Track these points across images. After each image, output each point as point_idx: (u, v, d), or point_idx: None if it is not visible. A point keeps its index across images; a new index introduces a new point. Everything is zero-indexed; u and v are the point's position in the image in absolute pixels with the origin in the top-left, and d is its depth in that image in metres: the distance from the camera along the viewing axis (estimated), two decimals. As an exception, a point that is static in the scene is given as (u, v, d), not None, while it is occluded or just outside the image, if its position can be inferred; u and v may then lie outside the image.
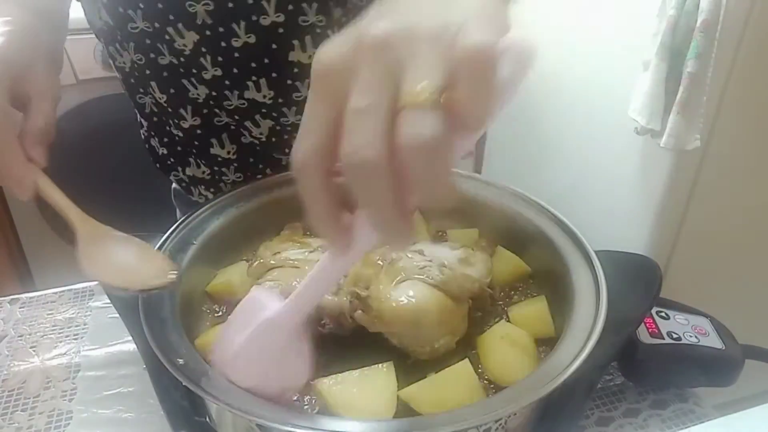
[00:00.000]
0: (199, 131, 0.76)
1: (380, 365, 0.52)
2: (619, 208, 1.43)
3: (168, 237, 0.61)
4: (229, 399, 0.45)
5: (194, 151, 0.79)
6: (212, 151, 0.78)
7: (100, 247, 0.56)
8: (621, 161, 1.38)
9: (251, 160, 0.79)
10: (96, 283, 0.79)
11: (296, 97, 0.72)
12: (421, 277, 0.54)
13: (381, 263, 0.57)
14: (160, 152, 0.84)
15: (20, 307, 0.76)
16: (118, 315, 0.56)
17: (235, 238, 0.67)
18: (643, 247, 1.37)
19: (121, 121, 1.60)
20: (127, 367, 0.67)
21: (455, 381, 0.52)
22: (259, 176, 0.80)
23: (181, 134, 0.77)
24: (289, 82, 0.71)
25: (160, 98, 0.73)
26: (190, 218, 0.64)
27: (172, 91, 0.72)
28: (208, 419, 0.51)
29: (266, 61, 0.69)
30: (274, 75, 0.70)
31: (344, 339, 0.56)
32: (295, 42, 0.68)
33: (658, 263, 0.55)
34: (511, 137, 1.86)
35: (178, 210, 0.94)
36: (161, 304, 0.54)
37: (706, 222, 1.35)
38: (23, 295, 0.78)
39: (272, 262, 0.59)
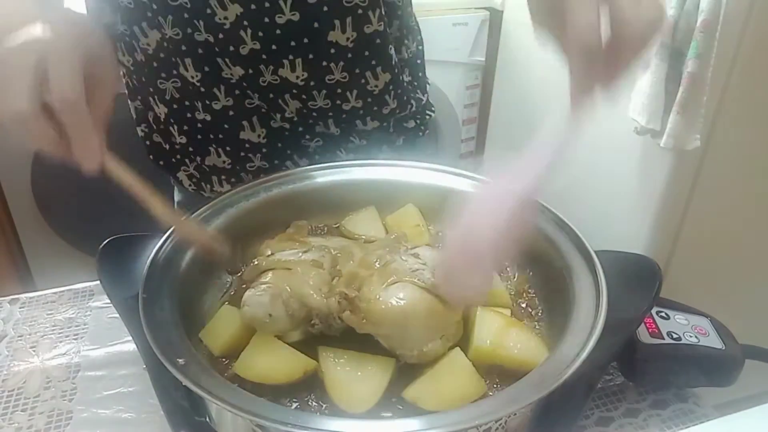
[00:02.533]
0: (231, 113, 0.75)
1: (383, 357, 0.53)
2: (619, 208, 1.43)
3: (168, 237, 0.61)
4: (229, 399, 0.45)
5: (221, 136, 0.78)
6: (242, 135, 0.77)
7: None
8: (621, 161, 1.38)
9: (279, 145, 0.79)
10: (96, 282, 0.79)
11: (328, 80, 0.73)
12: (413, 279, 0.54)
13: (378, 265, 0.57)
14: (176, 142, 0.81)
15: (20, 307, 0.76)
16: (118, 315, 0.56)
17: (235, 238, 0.67)
18: (643, 247, 1.37)
19: (121, 121, 1.60)
20: (127, 367, 0.67)
21: (453, 372, 0.53)
22: (287, 162, 0.80)
23: (209, 117, 0.76)
24: (324, 63, 0.71)
25: (193, 77, 0.72)
26: (190, 218, 0.64)
27: (206, 69, 0.72)
28: (208, 419, 0.52)
29: (305, 40, 0.69)
30: (310, 56, 0.70)
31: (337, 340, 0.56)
32: (337, 22, 0.69)
33: (658, 263, 0.55)
34: (511, 137, 1.86)
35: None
36: (161, 304, 0.54)
37: (706, 222, 1.35)
38: (23, 295, 0.78)
39: (264, 264, 0.59)
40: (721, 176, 1.30)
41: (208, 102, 0.74)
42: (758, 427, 0.48)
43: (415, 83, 0.84)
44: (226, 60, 0.70)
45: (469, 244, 0.50)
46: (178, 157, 0.82)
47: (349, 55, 0.72)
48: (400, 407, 0.51)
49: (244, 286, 0.62)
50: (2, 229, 1.65)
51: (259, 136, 0.77)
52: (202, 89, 0.73)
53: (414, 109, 0.84)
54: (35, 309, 0.76)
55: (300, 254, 0.60)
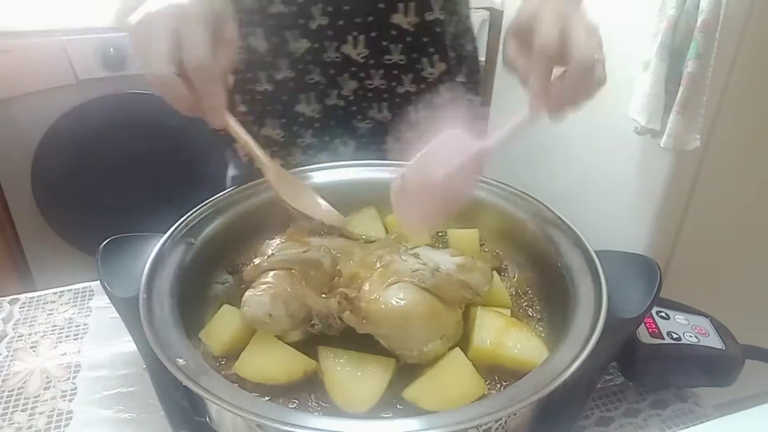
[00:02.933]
0: (291, 84, 0.79)
1: (383, 357, 0.53)
2: (619, 208, 1.42)
3: (168, 237, 0.61)
4: (229, 399, 0.45)
5: (278, 107, 0.81)
6: (297, 108, 0.81)
7: (289, 186, 0.65)
8: (621, 161, 1.38)
9: (332, 123, 0.82)
10: (96, 282, 0.79)
11: (386, 60, 0.77)
12: (413, 279, 0.54)
13: (378, 265, 0.57)
14: (236, 112, 0.83)
15: (20, 307, 0.76)
16: (118, 315, 0.56)
17: (235, 238, 0.67)
18: (643, 247, 1.37)
19: (121, 121, 1.60)
20: (127, 367, 0.67)
21: (453, 372, 0.53)
22: (336, 141, 0.83)
23: (270, 88, 0.80)
24: (384, 43, 0.76)
25: (261, 47, 0.76)
26: (190, 218, 0.64)
27: (275, 40, 0.76)
28: (208, 419, 0.52)
29: (370, 18, 0.74)
30: (373, 35, 0.75)
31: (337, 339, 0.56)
32: (401, 5, 0.74)
33: (658, 263, 0.55)
34: (511, 137, 1.86)
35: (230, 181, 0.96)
36: (161, 304, 0.54)
37: (706, 222, 1.35)
38: (23, 295, 0.78)
39: (265, 264, 0.59)
40: (721, 176, 1.30)
41: (271, 73, 0.79)
42: (758, 427, 0.48)
43: (470, 85, 0.88)
44: (295, 33, 0.75)
45: (425, 172, 0.57)
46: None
47: (409, 39, 0.76)
48: (400, 407, 0.51)
49: (243, 286, 0.62)
50: (2, 229, 1.65)
51: (313, 111, 0.81)
52: (268, 59, 0.77)
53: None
54: (35, 309, 0.76)
55: (300, 254, 0.60)
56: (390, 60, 0.77)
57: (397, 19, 0.75)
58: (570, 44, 0.52)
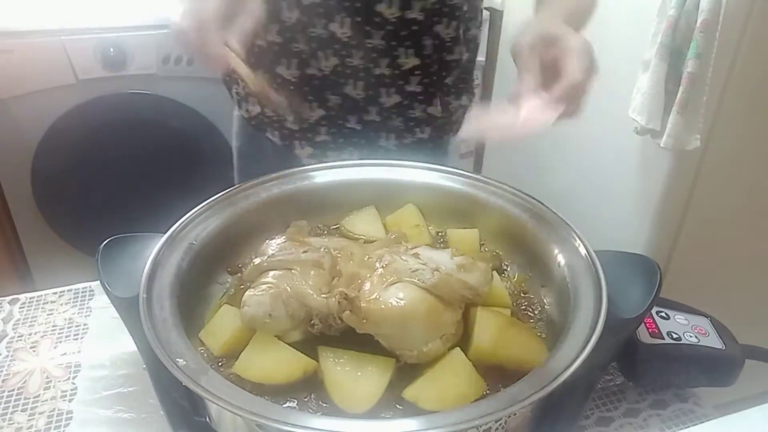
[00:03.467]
0: (276, 48, 0.85)
1: (383, 357, 0.53)
2: (619, 208, 1.42)
3: (168, 237, 0.61)
4: (229, 399, 0.45)
5: (263, 65, 0.87)
6: (278, 69, 0.86)
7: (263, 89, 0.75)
8: (621, 161, 1.38)
9: (306, 89, 0.87)
10: (96, 282, 0.79)
11: (367, 43, 0.82)
12: (413, 279, 0.54)
13: (378, 265, 0.57)
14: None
15: (20, 307, 0.76)
16: (118, 315, 0.56)
17: (235, 238, 0.67)
18: (643, 247, 1.37)
19: (121, 121, 1.60)
20: (127, 367, 0.67)
21: (453, 372, 0.53)
22: (304, 104, 0.88)
23: (264, 45, 0.86)
24: (366, 28, 0.81)
25: (259, 11, 0.82)
26: (190, 218, 0.64)
27: (270, 7, 0.80)
28: (208, 419, 0.52)
29: (358, 4, 0.80)
30: (358, 19, 0.81)
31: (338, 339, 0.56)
32: None
33: (658, 263, 0.55)
34: (511, 137, 1.85)
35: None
36: (161, 304, 0.54)
37: (706, 222, 1.35)
38: (23, 295, 0.78)
39: (265, 264, 0.59)
40: (721, 176, 1.30)
41: (263, 34, 0.84)
42: (758, 427, 0.48)
43: (453, 90, 0.91)
44: (290, 3, 0.81)
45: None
46: (228, 79, 0.97)
47: (389, 28, 0.81)
48: (400, 407, 0.51)
49: (243, 286, 0.62)
50: (2, 229, 1.65)
51: (291, 75, 0.86)
52: (261, 22, 0.81)
53: (442, 109, 0.90)
54: (35, 309, 0.76)
55: (300, 254, 0.60)
56: (370, 44, 0.82)
57: (381, 8, 0.80)
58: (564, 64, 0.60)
